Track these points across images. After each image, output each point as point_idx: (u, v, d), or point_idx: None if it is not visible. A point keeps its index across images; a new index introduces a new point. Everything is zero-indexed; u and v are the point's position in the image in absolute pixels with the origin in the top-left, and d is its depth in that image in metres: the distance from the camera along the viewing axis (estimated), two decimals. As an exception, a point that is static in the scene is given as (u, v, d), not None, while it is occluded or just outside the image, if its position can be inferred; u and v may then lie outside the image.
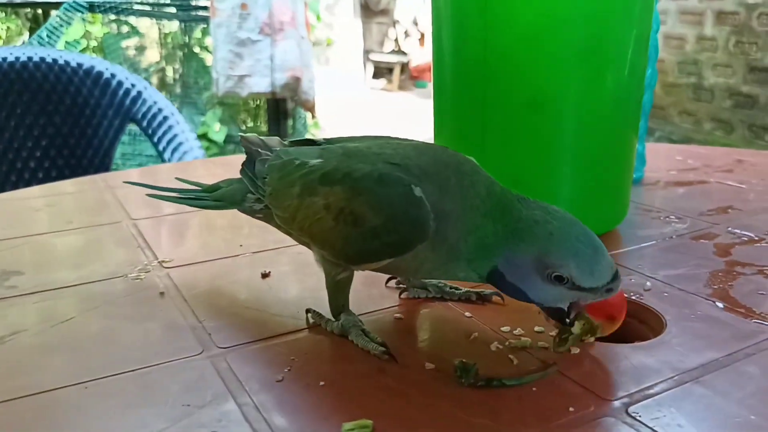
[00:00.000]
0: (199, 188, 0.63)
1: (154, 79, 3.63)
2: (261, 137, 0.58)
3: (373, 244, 0.46)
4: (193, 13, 3.43)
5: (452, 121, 0.72)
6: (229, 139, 3.29)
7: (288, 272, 0.65)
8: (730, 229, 0.76)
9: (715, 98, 4.02)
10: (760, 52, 3.69)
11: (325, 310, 0.53)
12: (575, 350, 0.48)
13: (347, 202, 0.47)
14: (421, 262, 0.47)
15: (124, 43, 3.70)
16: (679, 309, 0.55)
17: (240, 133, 0.59)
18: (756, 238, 0.72)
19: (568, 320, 0.46)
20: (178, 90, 3.52)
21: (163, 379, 0.46)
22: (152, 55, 3.82)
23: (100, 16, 3.42)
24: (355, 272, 0.52)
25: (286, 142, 0.58)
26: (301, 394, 0.44)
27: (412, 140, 0.54)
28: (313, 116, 3.33)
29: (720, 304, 0.56)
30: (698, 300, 0.57)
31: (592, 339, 0.49)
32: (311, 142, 0.57)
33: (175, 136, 1.89)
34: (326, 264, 0.51)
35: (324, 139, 0.57)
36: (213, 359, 0.48)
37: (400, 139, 0.54)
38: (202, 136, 3.17)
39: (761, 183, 0.97)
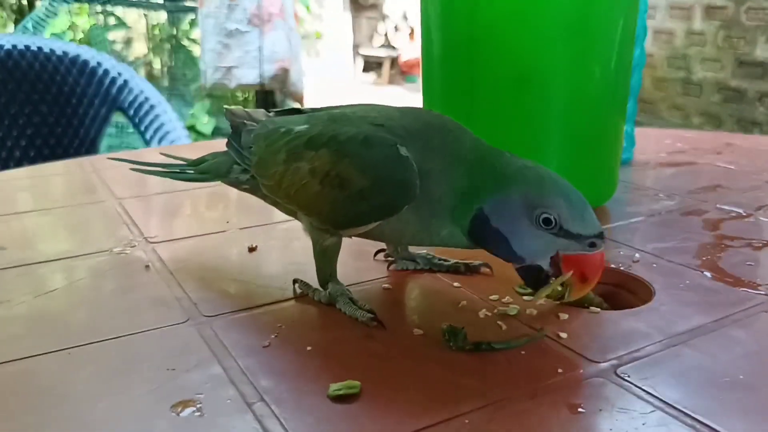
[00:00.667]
0: (184, 162, 0.62)
1: (142, 72, 3.61)
2: (246, 109, 0.58)
3: (360, 206, 0.46)
4: (181, 3, 3.41)
5: (441, 98, 0.72)
6: (217, 131, 3.27)
7: (275, 246, 0.64)
8: (718, 205, 0.76)
9: (703, 92, 4.04)
10: (749, 46, 3.71)
11: (313, 281, 0.53)
12: (564, 316, 0.48)
13: (333, 165, 0.46)
14: (404, 225, 0.47)
15: (111, 35, 3.67)
16: (667, 278, 0.55)
17: (225, 107, 0.59)
18: (744, 214, 0.73)
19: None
20: (165, 82, 3.49)
21: (147, 345, 0.45)
22: (139, 48, 3.80)
23: (86, 6, 3.39)
24: (343, 243, 0.52)
25: (271, 113, 0.57)
26: (288, 359, 0.43)
27: (399, 106, 0.53)
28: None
29: (708, 274, 0.56)
30: (687, 270, 0.57)
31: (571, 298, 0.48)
32: (297, 111, 0.56)
33: (162, 125, 1.87)
34: (313, 231, 0.51)
35: (310, 108, 0.56)
36: (198, 327, 0.48)
37: (386, 105, 0.53)
38: (190, 128, 3.14)
39: (750, 164, 0.97)
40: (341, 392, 0.39)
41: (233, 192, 0.59)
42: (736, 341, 0.45)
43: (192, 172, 0.60)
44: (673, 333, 0.46)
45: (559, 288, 0.46)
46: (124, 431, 0.36)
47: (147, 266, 0.59)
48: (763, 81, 3.69)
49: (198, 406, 0.38)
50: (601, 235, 0.43)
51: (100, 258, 0.61)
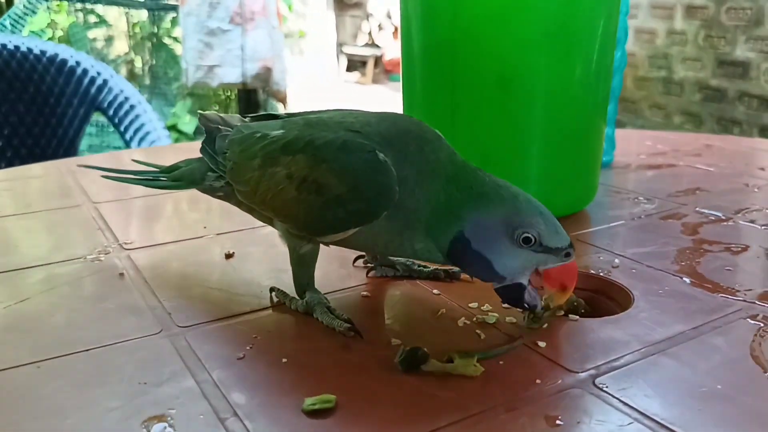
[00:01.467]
0: (157, 169, 0.61)
1: (123, 70, 3.56)
2: (221, 114, 0.57)
3: (338, 212, 0.45)
4: (162, 2, 3.37)
5: (422, 101, 0.71)
6: (199, 130, 3.23)
7: (252, 253, 0.63)
8: (698, 209, 0.76)
9: (684, 92, 4.07)
10: (729, 46, 3.74)
11: (290, 289, 0.52)
12: (544, 325, 0.48)
13: (310, 171, 0.46)
14: (377, 234, 0.46)
15: (91, 33, 3.62)
16: (646, 284, 0.55)
17: (200, 111, 0.58)
18: (723, 218, 0.73)
19: (526, 305, 0.45)
20: (147, 81, 3.45)
21: (117, 357, 0.44)
22: (120, 46, 3.75)
23: (65, 4, 3.35)
24: (323, 250, 0.51)
25: (246, 119, 0.57)
26: (263, 371, 0.43)
27: (376, 111, 0.53)
28: (285, 107, 3.29)
29: (687, 280, 0.56)
30: (666, 276, 0.57)
31: (562, 313, 0.49)
32: (273, 117, 0.55)
33: (142, 125, 1.85)
34: (290, 238, 0.50)
35: (286, 113, 0.56)
36: (172, 338, 0.47)
37: (364, 111, 0.53)
38: (172, 128, 3.11)
39: (729, 166, 0.97)
40: (316, 407, 0.38)
41: (207, 198, 0.58)
42: (715, 349, 0.45)
43: (165, 179, 0.59)
44: (651, 341, 0.46)
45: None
46: (92, 449, 0.35)
47: (121, 274, 0.58)
48: (743, 80, 3.73)
49: (169, 421, 0.37)
50: (572, 245, 0.44)
51: (74, 265, 0.60)
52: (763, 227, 0.70)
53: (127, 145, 1.86)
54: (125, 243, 0.65)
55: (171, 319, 0.50)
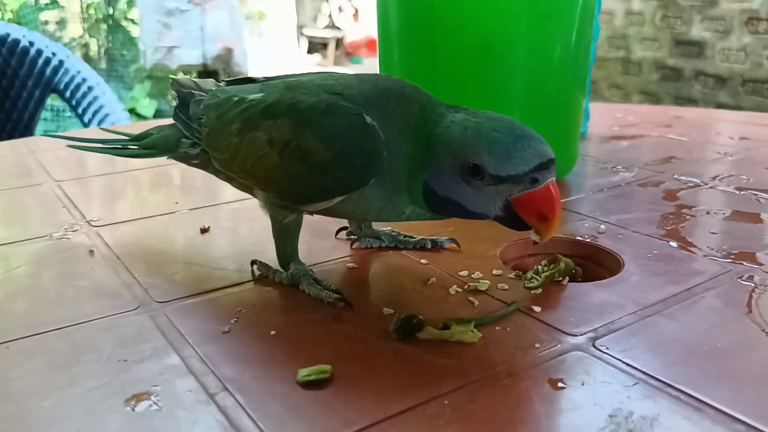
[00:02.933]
0: (126, 137, 0.58)
1: (78, 54, 3.44)
2: (194, 79, 0.54)
3: (323, 180, 0.43)
4: (117, -19, 3.26)
5: (400, 69, 0.69)
6: (158, 113, 3.14)
7: (229, 227, 0.61)
8: (675, 176, 0.76)
9: (642, 71, 4.13)
10: (685, 26, 3.80)
11: (273, 262, 0.50)
12: (537, 291, 0.47)
13: (293, 135, 0.43)
14: (368, 201, 0.44)
15: (43, 16, 3.49)
16: (635, 249, 0.54)
17: (171, 77, 0.55)
18: (701, 184, 0.73)
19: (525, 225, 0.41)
20: (103, 64, 3.35)
21: (94, 336, 0.42)
22: (74, 28, 3.62)
23: (14, -16, 3.21)
24: (304, 220, 0.49)
25: (221, 83, 0.54)
26: (251, 344, 0.40)
27: (356, 74, 0.50)
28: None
29: (674, 244, 0.56)
30: (653, 240, 0.56)
31: (565, 281, 0.48)
32: (250, 81, 0.53)
33: (101, 107, 1.78)
34: (272, 208, 0.48)
35: (263, 77, 0.53)
36: (151, 314, 0.44)
37: (343, 73, 0.50)
38: (131, 111, 3.02)
39: (701, 136, 0.98)
40: (311, 377, 0.36)
41: (177, 172, 0.56)
42: (711, 309, 0.44)
43: (135, 147, 0.56)
44: (646, 303, 0.45)
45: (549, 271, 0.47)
46: (74, 430, 0.33)
47: (91, 251, 0.55)
48: (699, 60, 3.79)
49: (154, 399, 0.35)
50: (541, 167, 0.39)
51: (39, 244, 0.57)
52: (741, 192, 0.70)
53: (86, 127, 1.79)
54: (93, 220, 0.62)
55: (148, 294, 0.47)
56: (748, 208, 0.65)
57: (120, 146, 0.57)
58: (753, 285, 0.48)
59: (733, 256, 0.53)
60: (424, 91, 0.46)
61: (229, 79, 0.55)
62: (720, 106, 3.58)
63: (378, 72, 0.72)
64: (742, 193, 0.70)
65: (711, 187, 0.72)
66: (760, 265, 0.51)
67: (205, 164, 0.52)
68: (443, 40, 0.65)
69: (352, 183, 0.43)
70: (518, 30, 0.64)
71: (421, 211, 0.44)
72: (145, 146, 0.55)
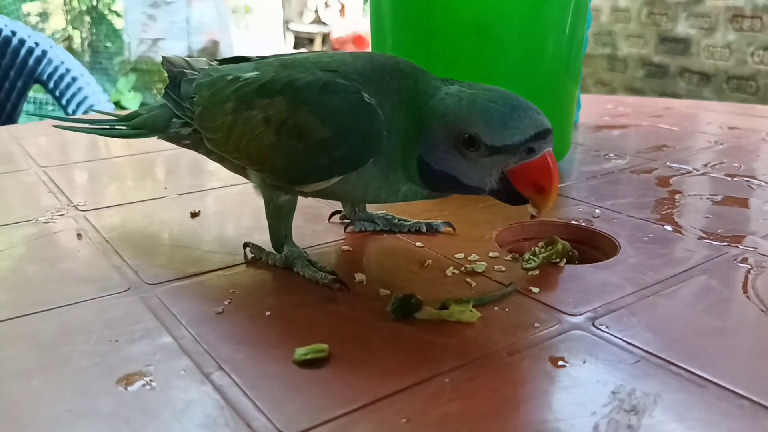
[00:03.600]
0: (115, 118, 0.56)
1: (61, 46, 3.40)
2: (185, 58, 0.53)
3: (321, 159, 0.42)
4: (101, -28, 3.22)
5: (393, 51, 0.68)
6: (144, 107, 3.11)
7: (220, 211, 0.60)
8: (668, 163, 0.76)
9: (628, 68, 4.15)
10: (670, 22, 3.82)
11: (266, 244, 0.49)
12: (534, 271, 0.46)
13: (290, 114, 0.42)
14: (366, 181, 0.43)
15: (25, 8, 3.43)
16: (630, 233, 0.54)
17: (162, 55, 0.53)
18: (693, 171, 0.73)
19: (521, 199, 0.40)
20: (87, 57, 3.30)
21: (83, 317, 0.40)
22: (57, 21, 3.57)
23: (-5, -25, 3.16)
24: (298, 203, 0.48)
25: (214, 62, 0.53)
26: (246, 325, 0.40)
27: (350, 52, 0.50)
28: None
29: (669, 228, 0.55)
30: (648, 224, 0.56)
31: (562, 263, 0.47)
32: (243, 60, 0.52)
33: (85, 98, 1.76)
34: (266, 189, 0.47)
35: (257, 56, 0.52)
36: (142, 295, 0.43)
37: (338, 51, 0.50)
38: (115, 104, 2.99)
39: (691, 126, 0.98)
40: (308, 356, 0.35)
41: (164, 158, 0.55)
42: (709, 290, 0.44)
43: (124, 127, 0.55)
44: (645, 284, 0.45)
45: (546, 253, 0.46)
46: (64, 411, 0.32)
47: (79, 234, 0.54)
48: (684, 56, 3.81)
49: (147, 378, 0.34)
50: (538, 136, 0.38)
51: (25, 228, 0.55)
52: (733, 179, 0.70)
53: (70, 119, 1.76)
54: (79, 205, 0.61)
55: (138, 276, 0.46)
56: (740, 193, 0.65)
57: (108, 126, 0.56)
58: (748, 266, 0.48)
59: (727, 240, 0.52)
60: (420, 67, 0.45)
61: (221, 59, 0.54)
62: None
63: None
64: (734, 179, 0.70)
65: (703, 174, 0.72)
66: (754, 248, 0.51)
67: (196, 144, 0.50)
68: (437, 21, 0.64)
69: (350, 163, 0.42)
70: (513, 12, 0.63)
71: (417, 188, 0.44)
72: (134, 126, 0.54)
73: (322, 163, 0.42)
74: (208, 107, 0.47)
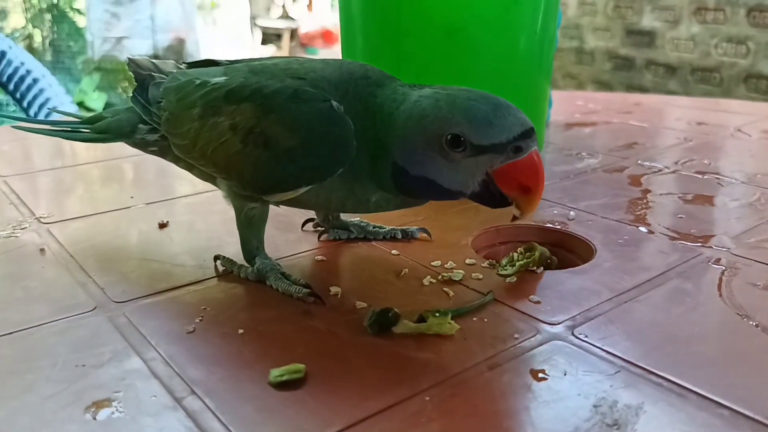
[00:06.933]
0: (78, 119, 0.54)
1: (20, 45, 3.31)
2: (153, 60, 0.51)
3: (289, 168, 0.41)
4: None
5: (364, 53, 0.67)
6: (108, 107, 3.05)
7: (189, 222, 0.58)
8: (639, 161, 0.76)
9: (595, 61, 4.19)
10: (636, 16, 3.87)
11: (237, 257, 0.48)
12: (511, 279, 0.46)
13: (257, 121, 0.41)
14: (329, 191, 0.42)
15: (-19, 6, 3.34)
16: (605, 235, 0.54)
17: (129, 56, 0.52)
18: (664, 169, 0.73)
19: (500, 201, 0.39)
20: (48, 56, 3.22)
21: (48, 339, 0.39)
22: (16, 19, 3.48)
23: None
24: (270, 211, 0.47)
25: (182, 65, 0.51)
26: (219, 344, 0.38)
27: (320, 59, 0.48)
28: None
29: (644, 229, 0.55)
30: (622, 226, 0.56)
31: (540, 270, 0.47)
32: (212, 63, 0.50)
33: (48, 99, 1.72)
34: (235, 198, 0.46)
35: (227, 60, 0.50)
36: (109, 315, 0.42)
37: (307, 57, 0.48)
38: (79, 105, 2.92)
39: (661, 122, 0.99)
40: (284, 378, 0.34)
41: (130, 166, 0.53)
42: (684, 294, 0.44)
43: (87, 131, 0.53)
44: (621, 289, 0.45)
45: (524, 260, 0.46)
46: (27, 443, 0.30)
47: (42, 250, 0.52)
48: (650, 49, 3.86)
49: (116, 405, 0.33)
50: (524, 135, 0.37)
51: (-16, 243, 0.53)
52: (704, 176, 0.70)
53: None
54: (42, 217, 0.59)
55: (105, 294, 0.44)
56: (711, 191, 0.65)
57: (70, 129, 0.54)
58: (722, 268, 0.48)
59: (700, 240, 0.53)
60: (389, 75, 0.44)
61: (190, 61, 0.52)
62: (670, 94, 3.66)
63: (340, 57, 0.71)
64: (704, 177, 0.70)
65: (673, 171, 0.72)
66: (727, 248, 0.51)
67: (164, 151, 0.49)
68: (408, 23, 0.63)
69: (318, 173, 0.41)
70: (485, 14, 0.63)
71: (389, 196, 0.43)
72: (98, 130, 0.52)
73: (290, 173, 0.41)
74: (175, 113, 0.46)
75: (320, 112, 0.40)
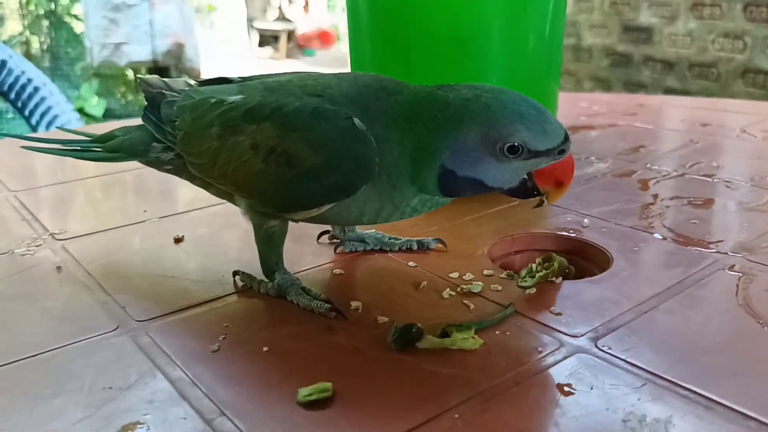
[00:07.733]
0: (88, 138, 0.54)
1: (18, 52, 3.30)
2: (163, 79, 0.51)
3: (312, 187, 0.41)
4: (58, -24, 3.13)
5: (372, 63, 0.67)
6: (108, 112, 3.04)
7: (205, 235, 0.58)
8: (647, 165, 0.76)
9: (593, 58, 4.20)
10: (633, 12, 3.87)
11: (256, 272, 0.48)
12: (531, 290, 0.46)
13: (279, 140, 0.41)
14: (363, 203, 0.43)
15: (-21, 13, 3.33)
16: (620, 242, 0.54)
17: (139, 76, 0.52)
18: (673, 172, 0.73)
19: (535, 193, 0.42)
20: (47, 62, 3.21)
21: (73, 362, 0.39)
22: (13, 26, 3.47)
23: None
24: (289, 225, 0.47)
25: (194, 83, 0.51)
26: (244, 363, 0.38)
27: (332, 73, 0.48)
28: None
29: (658, 235, 0.56)
30: (636, 233, 0.56)
31: (559, 280, 0.47)
32: (224, 81, 0.50)
33: (49, 108, 1.72)
34: (255, 216, 0.46)
35: (239, 77, 0.50)
36: (132, 334, 0.42)
37: (319, 72, 0.48)
38: (79, 111, 2.91)
39: (666, 123, 0.99)
40: (312, 397, 0.34)
41: (140, 178, 0.53)
42: (703, 301, 0.44)
43: (99, 150, 0.53)
44: (641, 299, 0.45)
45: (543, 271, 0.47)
46: (60, 470, 0.30)
47: (59, 267, 0.52)
48: (647, 45, 3.87)
49: (147, 429, 0.33)
50: (566, 139, 0.40)
51: (1, 262, 0.53)
52: (713, 179, 0.70)
53: (33, 130, 1.72)
54: (57, 233, 0.59)
55: (126, 313, 0.44)
56: (721, 195, 0.66)
57: (80, 148, 0.54)
58: (737, 274, 0.48)
59: (714, 246, 0.53)
60: (403, 81, 0.45)
61: (202, 79, 0.52)
62: (668, 90, 3.67)
63: (348, 67, 0.71)
64: (713, 180, 0.70)
65: (681, 175, 0.73)
66: (741, 254, 0.51)
67: (179, 170, 0.49)
68: (417, 33, 0.63)
69: (341, 191, 0.41)
70: (494, 23, 0.63)
71: (427, 197, 0.43)
72: (110, 149, 0.52)
73: (313, 191, 0.41)
74: (191, 132, 0.46)
75: (342, 130, 0.40)
